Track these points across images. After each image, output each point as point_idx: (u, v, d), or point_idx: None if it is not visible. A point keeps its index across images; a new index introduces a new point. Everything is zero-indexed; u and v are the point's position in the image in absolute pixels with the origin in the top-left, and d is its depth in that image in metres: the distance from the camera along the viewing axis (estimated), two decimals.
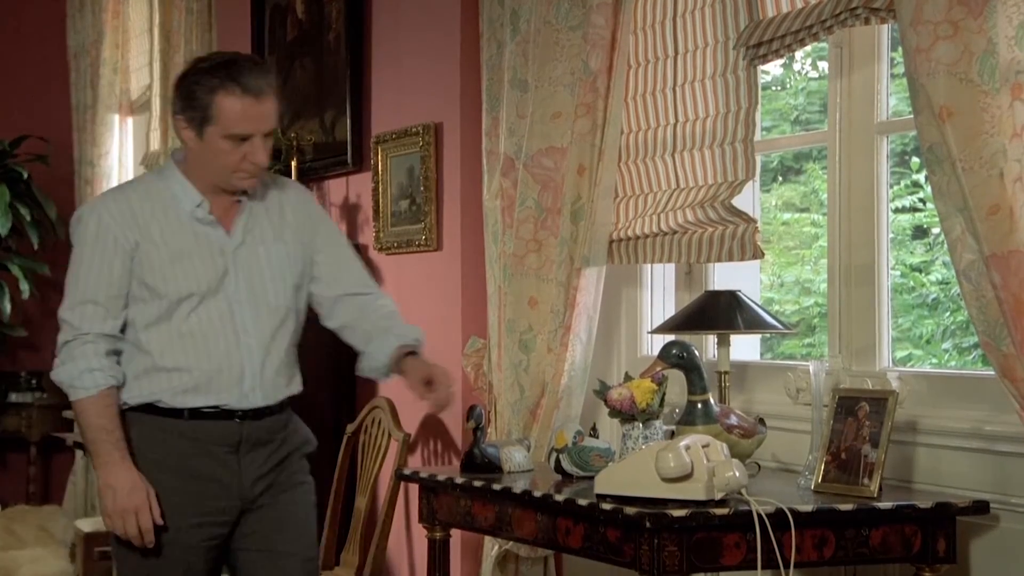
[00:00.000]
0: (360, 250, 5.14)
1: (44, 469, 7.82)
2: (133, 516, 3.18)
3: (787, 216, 5.27)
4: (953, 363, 4.71)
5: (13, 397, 7.76)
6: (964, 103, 2.87)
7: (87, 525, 5.70)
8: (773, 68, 4.94)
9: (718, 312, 3.66)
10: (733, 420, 3.41)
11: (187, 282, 3.22)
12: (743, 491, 2.96)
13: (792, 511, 2.96)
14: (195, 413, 3.23)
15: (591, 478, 3.19)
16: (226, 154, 3.18)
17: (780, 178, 5.22)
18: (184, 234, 3.24)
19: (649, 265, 4.30)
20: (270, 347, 3.28)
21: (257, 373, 3.25)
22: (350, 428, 4.93)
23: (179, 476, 3.23)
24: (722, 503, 2.95)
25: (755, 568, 2.95)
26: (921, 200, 4.82)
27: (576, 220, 4.03)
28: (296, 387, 3.38)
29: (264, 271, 3.29)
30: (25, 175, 7.61)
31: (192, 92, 3.18)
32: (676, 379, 3.54)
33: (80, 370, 3.20)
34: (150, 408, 3.24)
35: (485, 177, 4.42)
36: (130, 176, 7.56)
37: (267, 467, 3.29)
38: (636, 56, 4.10)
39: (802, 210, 5.24)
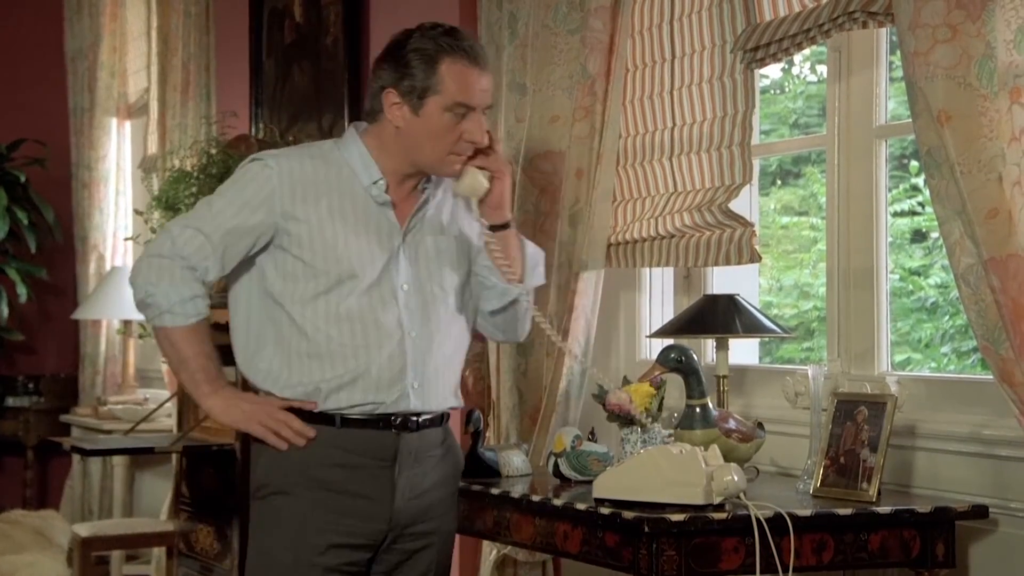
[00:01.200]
0: None
1: (41, 473, 7.81)
2: (278, 409, 2.94)
3: (786, 220, 5.27)
4: (952, 367, 4.71)
5: (10, 401, 7.75)
6: (962, 107, 2.87)
7: (84, 530, 5.69)
8: (772, 72, 4.95)
9: (716, 316, 3.65)
10: (732, 424, 3.40)
11: (349, 263, 2.94)
12: (742, 495, 2.95)
13: (791, 515, 2.95)
14: (347, 421, 2.95)
15: (589, 482, 3.18)
16: (445, 131, 2.92)
17: (779, 182, 5.23)
18: (356, 211, 2.97)
19: (647, 269, 4.29)
20: (435, 347, 3.00)
21: (420, 372, 2.98)
22: None
23: (321, 488, 2.95)
24: (720, 507, 2.94)
25: (754, 573, 2.94)
26: (920, 204, 4.83)
27: (574, 224, 4.02)
28: (458, 400, 3.10)
29: (432, 262, 3.03)
30: (22, 178, 7.60)
31: (409, 61, 2.91)
32: (675, 383, 3.53)
33: (182, 296, 2.93)
34: (300, 413, 2.96)
35: None
36: (128, 180, 7.56)
37: (424, 486, 3.03)
38: (634, 60, 4.09)
39: (801, 214, 5.24)
